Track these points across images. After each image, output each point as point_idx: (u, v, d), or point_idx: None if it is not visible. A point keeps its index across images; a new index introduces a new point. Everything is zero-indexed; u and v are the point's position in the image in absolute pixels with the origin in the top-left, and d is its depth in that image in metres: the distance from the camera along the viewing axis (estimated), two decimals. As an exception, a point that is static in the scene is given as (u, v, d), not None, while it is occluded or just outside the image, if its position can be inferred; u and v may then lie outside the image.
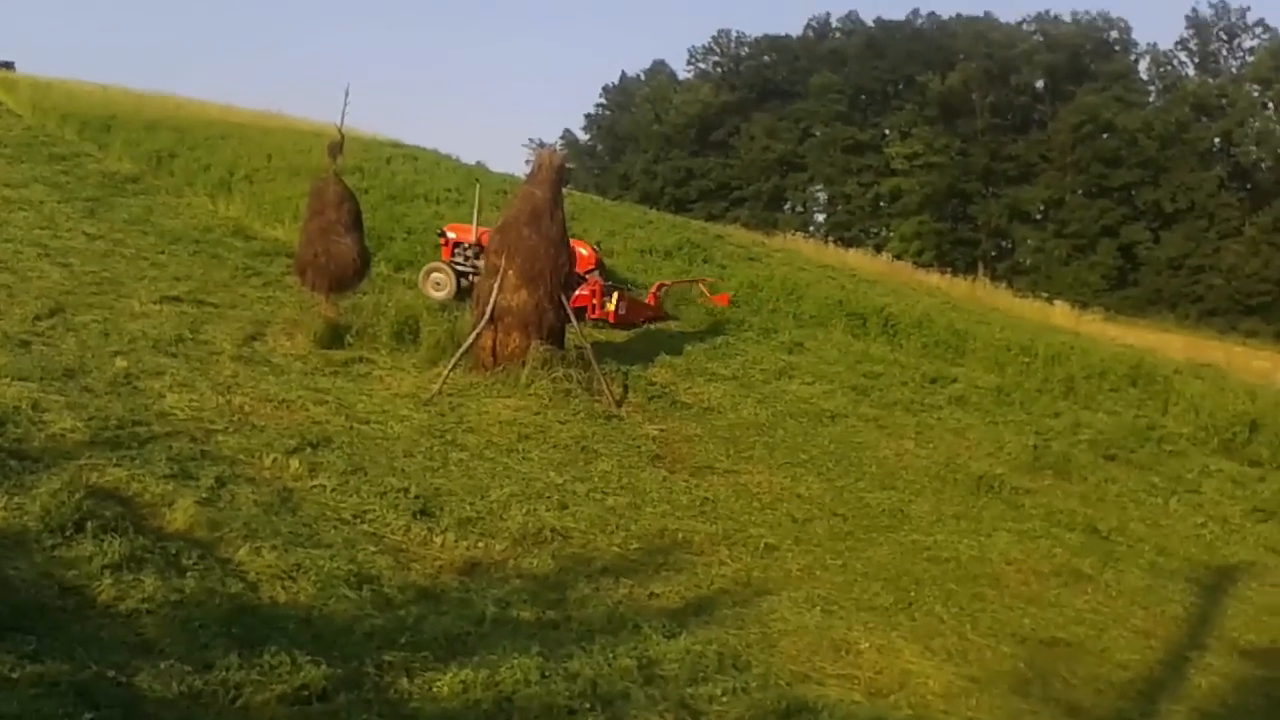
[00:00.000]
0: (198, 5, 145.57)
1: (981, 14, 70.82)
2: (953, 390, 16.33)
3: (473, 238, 17.30)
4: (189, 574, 5.93)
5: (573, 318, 13.94)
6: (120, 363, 10.88)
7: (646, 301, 17.65)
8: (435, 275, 17.37)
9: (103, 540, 6.03)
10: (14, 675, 4.15)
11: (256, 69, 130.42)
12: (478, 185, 18.81)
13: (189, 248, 18.19)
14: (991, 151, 66.17)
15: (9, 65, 39.89)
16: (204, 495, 7.41)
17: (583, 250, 17.54)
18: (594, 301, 16.33)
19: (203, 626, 5.31)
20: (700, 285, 19.45)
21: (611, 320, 16.52)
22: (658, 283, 18.69)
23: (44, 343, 11.34)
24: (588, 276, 16.93)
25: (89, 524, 6.22)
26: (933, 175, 65.07)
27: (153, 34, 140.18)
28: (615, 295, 16.63)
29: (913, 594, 8.79)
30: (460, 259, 17.47)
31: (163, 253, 17.49)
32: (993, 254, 66.11)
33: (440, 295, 16.93)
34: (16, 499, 6.47)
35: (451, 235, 17.90)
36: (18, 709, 3.80)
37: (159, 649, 5.00)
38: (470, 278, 16.60)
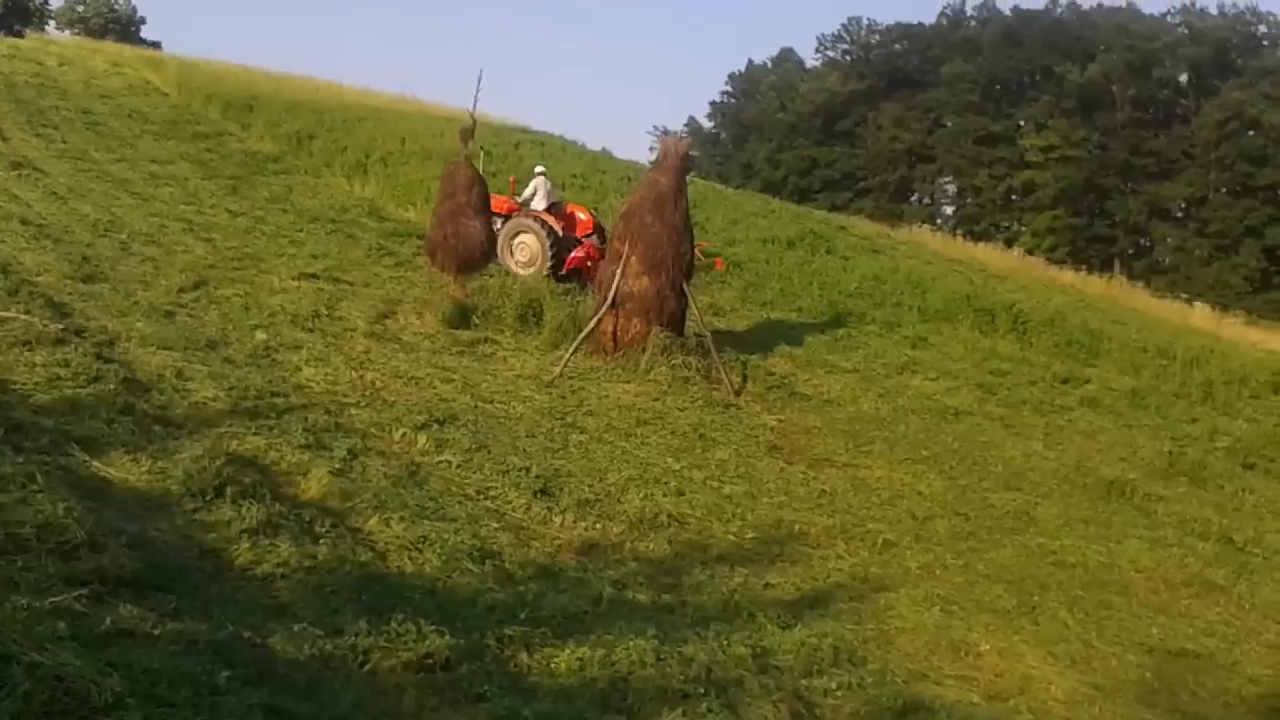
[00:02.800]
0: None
1: (1124, 4, 68.09)
2: (1085, 391, 15.83)
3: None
4: (322, 541, 6.15)
5: (694, 305, 13.97)
6: (260, 335, 11.35)
7: None
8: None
9: (241, 506, 6.29)
10: (155, 632, 4.32)
11: (393, 54, 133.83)
12: (482, 153, 19.12)
13: (326, 227, 18.84)
14: (1131, 146, 63.60)
15: (156, 45, 41.75)
16: (337, 466, 7.68)
17: (582, 215, 18.19)
18: (588, 264, 16.73)
19: (334, 592, 5.50)
20: (697, 250, 19.02)
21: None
22: None
23: (188, 314, 11.89)
24: (584, 240, 17.42)
25: (228, 489, 6.49)
26: (1069, 169, 62.88)
27: (295, 18, 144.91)
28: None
29: (1036, 598, 8.55)
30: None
31: (301, 231, 18.14)
32: (1130, 252, 63.61)
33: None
34: (160, 463, 6.80)
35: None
36: (158, 664, 3.95)
37: (292, 612, 5.20)
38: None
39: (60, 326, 9.66)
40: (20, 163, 19.68)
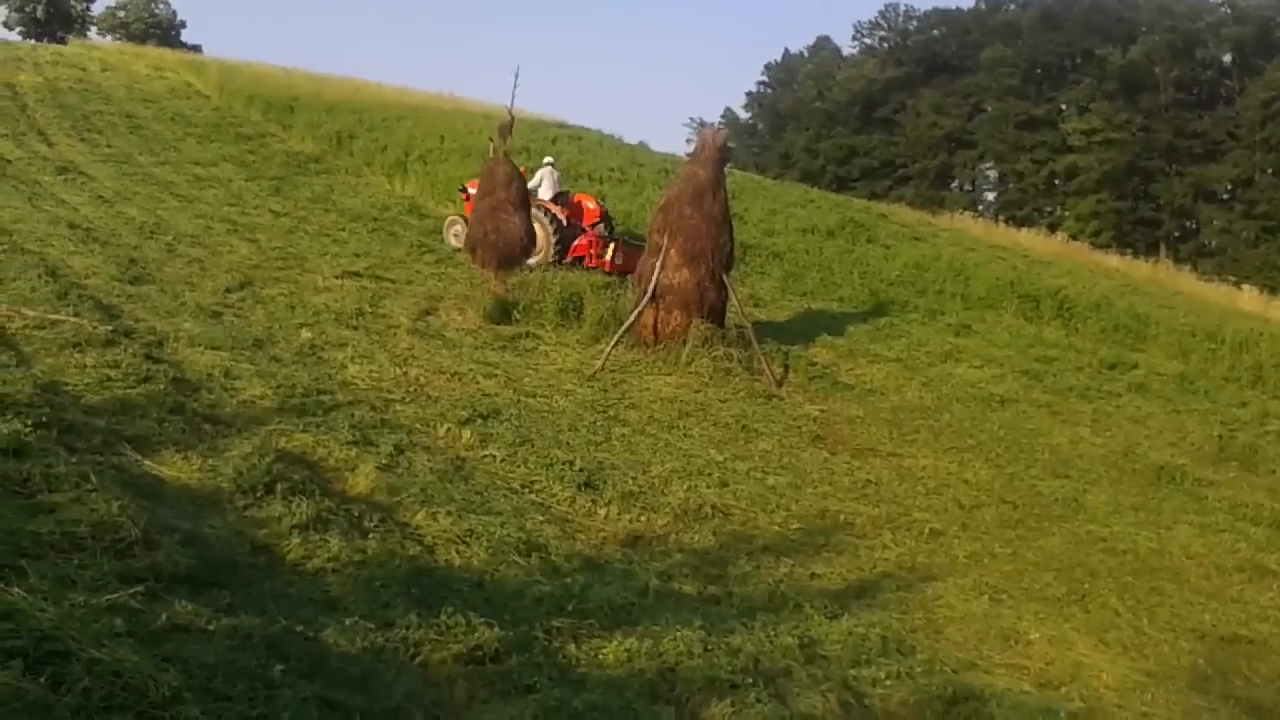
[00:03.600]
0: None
1: (1165, -16, 66.91)
2: (1133, 377, 15.62)
3: None
4: (371, 536, 6.20)
5: (734, 297, 13.93)
6: (305, 334, 11.49)
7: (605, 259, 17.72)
8: (455, 227, 18.42)
9: (291, 502, 6.35)
10: (210, 628, 4.37)
11: (431, 53, 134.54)
12: (490, 141, 19.06)
13: (367, 225, 19.01)
14: (1175, 128, 62.51)
15: (197, 49, 42.20)
16: (384, 461, 7.74)
17: (590, 204, 18.59)
18: (591, 251, 17.46)
19: (384, 586, 5.54)
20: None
21: (608, 269, 17.13)
22: (617, 243, 18.43)
23: (235, 314, 12.04)
24: (589, 229, 17.87)
25: (278, 486, 6.56)
26: (1112, 152, 61.95)
27: (333, 20, 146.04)
28: (612, 246, 17.36)
29: (1087, 585, 8.46)
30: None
31: (343, 230, 18.33)
32: (1176, 235, 62.57)
33: (458, 244, 17.82)
34: (211, 461, 6.89)
35: (471, 191, 18.31)
36: (214, 659, 4.00)
37: (343, 606, 5.24)
38: None
39: (110, 328, 9.81)
40: (66, 167, 20.04)
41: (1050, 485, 10.85)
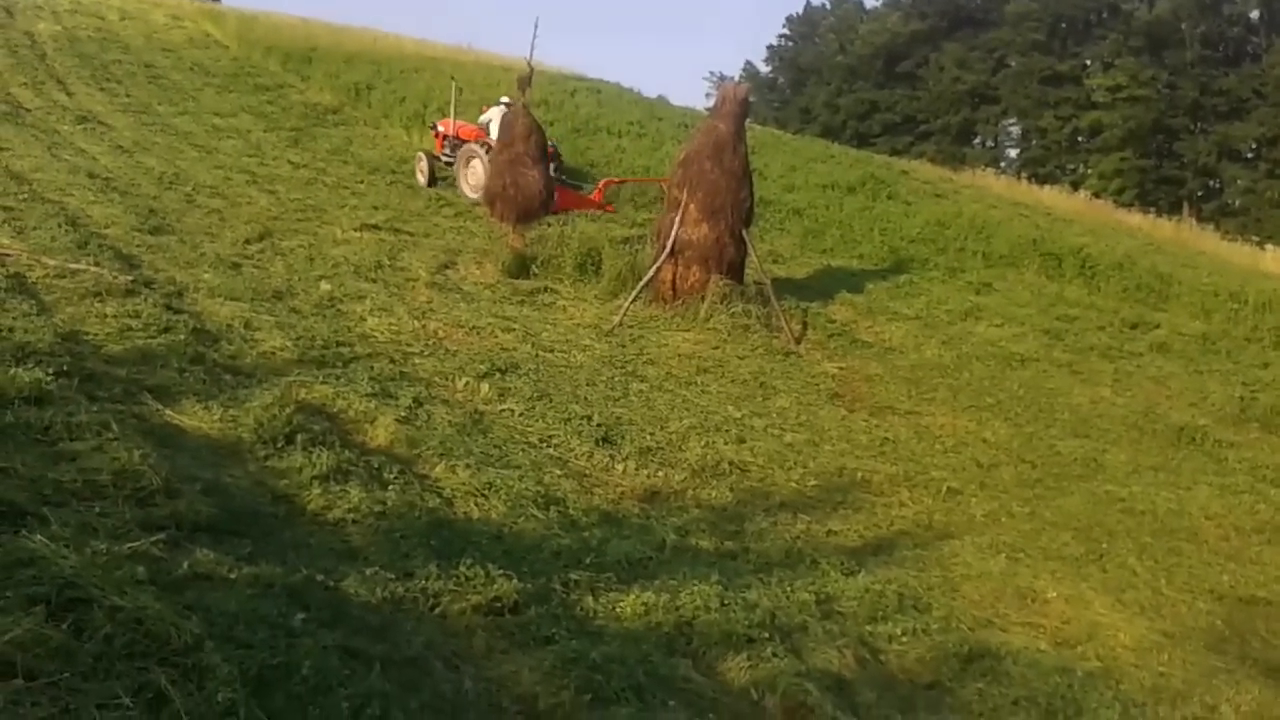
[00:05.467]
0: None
1: (1195, -63, 65.53)
2: (1154, 337, 15.50)
3: (451, 131, 19.21)
4: (390, 487, 6.23)
5: (753, 253, 13.85)
6: (324, 286, 11.49)
7: (590, 198, 17.91)
8: (422, 164, 19.16)
9: (311, 452, 6.37)
10: (232, 576, 4.40)
11: (450, 4, 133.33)
12: (454, 84, 20.39)
13: (386, 178, 18.96)
14: (1201, 85, 61.42)
15: (215, -1, 41.90)
16: (403, 414, 7.75)
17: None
18: None
19: (404, 537, 5.57)
20: (662, 185, 18.50)
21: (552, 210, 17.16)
22: (605, 180, 18.73)
23: (254, 265, 12.05)
24: None
25: (299, 437, 6.58)
26: (1137, 109, 61.01)
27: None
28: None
29: (1104, 545, 8.44)
30: (448, 150, 19.16)
31: (361, 182, 18.29)
32: (1199, 194, 61.69)
33: (421, 181, 18.86)
34: (231, 411, 6.91)
35: (441, 129, 19.55)
36: (235, 607, 4.02)
37: (364, 556, 5.27)
38: (445, 164, 19.06)
39: (130, 278, 9.83)
40: (85, 117, 19.99)
41: (1069, 445, 10.80)
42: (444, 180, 18.96)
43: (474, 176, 18.10)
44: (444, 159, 19.16)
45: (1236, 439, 11.90)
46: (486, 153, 17.78)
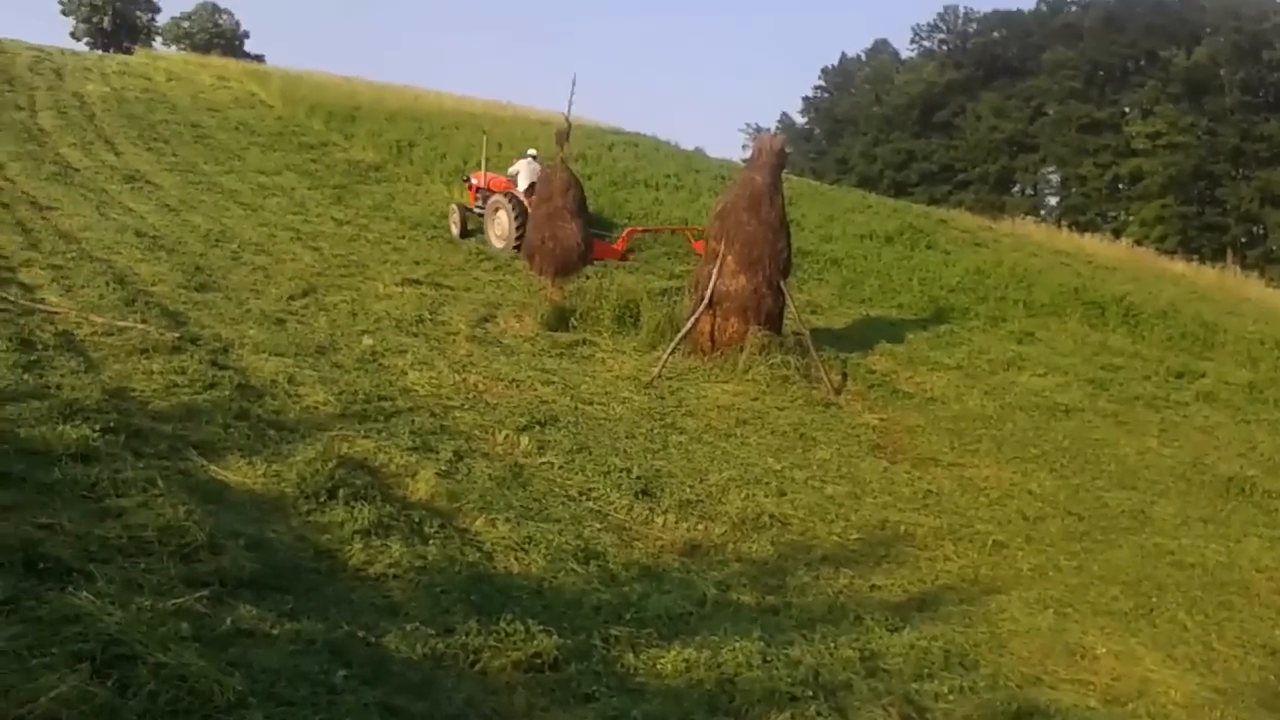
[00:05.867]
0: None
1: (1230, -14, 65.42)
2: (1200, 386, 15.24)
3: (483, 183, 19.61)
4: (431, 542, 6.24)
5: (791, 303, 13.83)
6: (367, 341, 11.62)
7: (614, 246, 17.92)
8: (455, 215, 19.60)
9: (353, 507, 6.42)
10: (274, 632, 4.42)
11: (489, 61, 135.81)
12: (484, 137, 21.15)
13: (427, 233, 19.21)
14: (1242, 131, 61.02)
15: (260, 59, 42.93)
16: (443, 468, 7.79)
17: None
18: None
19: (444, 592, 5.57)
20: (688, 234, 19.07)
21: None
22: (629, 228, 18.79)
23: (298, 321, 12.22)
24: None
25: (341, 491, 6.64)
26: (1177, 156, 60.68)
27: (394, 30, 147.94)
28: None
29: (1154, 600, 8.26)
30: (480, 202, 19.48)
31: (403, 238, 18.54)
32: (1243, 240, 61.05)
33: (455, 231, 19.36)
34: (275, 466, 6.98)
35: (475, 181, 19.96)
36: (278, 664, 4.04)
37: (404, 612, 5.27)
38: (478, 215, 19.36)
39: (176, 335, 10.01)
40: (133, 176, 20.48)
41: (1116, 497, 10.61)
42: (477, 231, 19.26)
43: (499, 227, 18.47)
44: (476, 210, 19.51)
45: (1287, 490, 11.63)
46: (512, 204, 18.15)
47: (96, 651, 3.55)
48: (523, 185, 18.58)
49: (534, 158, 19.15)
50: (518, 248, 17.88)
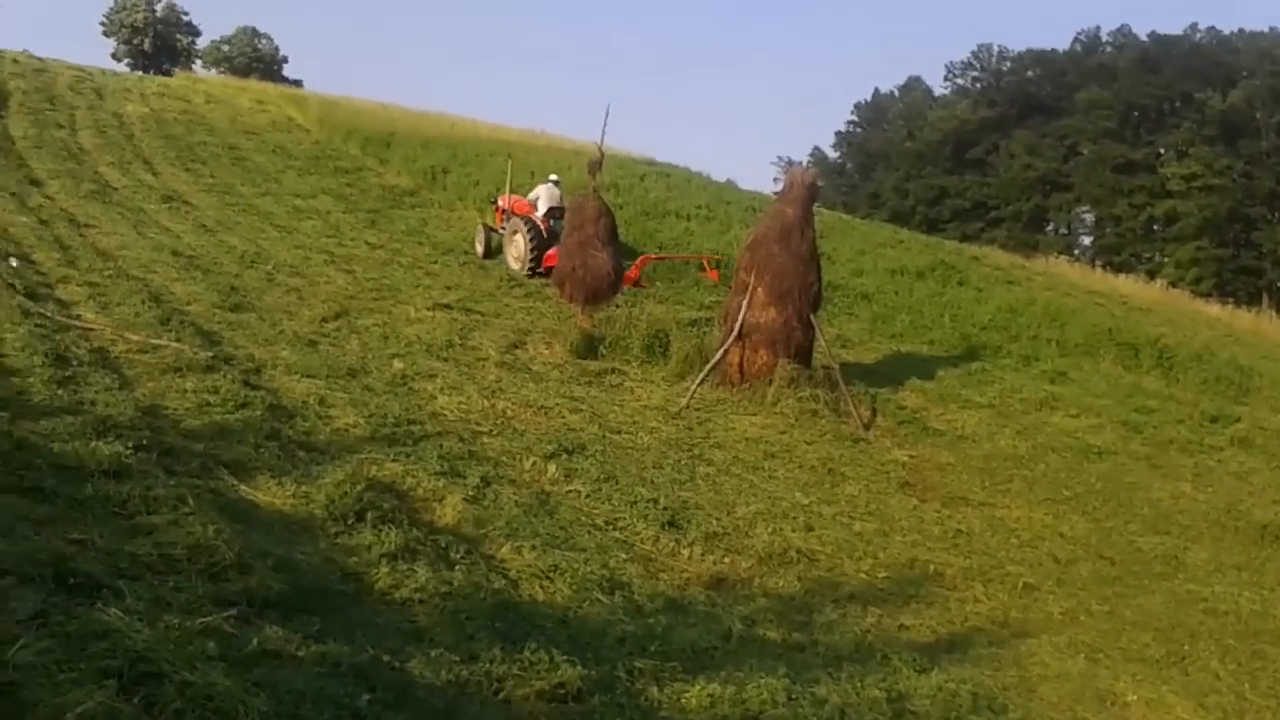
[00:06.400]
0: (474, 28, 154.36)
1: (1266, 29, 65.17)
2: (1235, 430, 15.02)
3: (507, 205, 19.94)
4: (457, 567, 6.22)
5: (821, 337, 13.78)
6: (397, 364, 11.67)
7: (628, 274, 17.65)
8: (480, 235, 20.18)
9: (381, 530, 6.41)
10: (300, 654, 4.40)
11: (525, 89, 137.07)
12: (509, 161, 21.48)
13: (459, 258, 19.34)
14: (1278, 175, 60.62)
15: (298, 83, 43.53)
16: (471, 493, 7.79)
17: None
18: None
19: (469, 619, 5.54)
20: (704, 262, 19.47)
21: None
22: (643, 256, 18.85)
23: (330, 343, 12.29)
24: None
25: (369, 514, 6.65)
26: (1213, 198, 60.30)
27: (433, 57, 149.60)
28: None
29: (1186, 647, 8.11)
30: (505, 223, 19.76)
31: (436, 263, 18.66)
32: (1279, 285, 60.51)
33: (480, 250, 19.92)
34: (304, 488, 6.99)
35: (501, 204, 20.31)
36: (303, 686, 4.02)
37: (429, 637, 5.24)
38: (500, 235, 19.78)
39: (210, 354, 10.08)
40: (171, 196, 20.75)
41: (1149, 541, 10.45)
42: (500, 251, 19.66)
43: (516, 249, 18.91)
44: (500, 232, 19.90)
45: (1323, 539, 11.42)
46: (528, 228, 18.61)
47: (124, 668, 3.56)
48: (542, 209, 19.03)
49: (555, 183, 19.57)
50: (533, 270, 18.37)
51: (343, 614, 5.28)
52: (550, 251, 18.41)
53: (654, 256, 19.13)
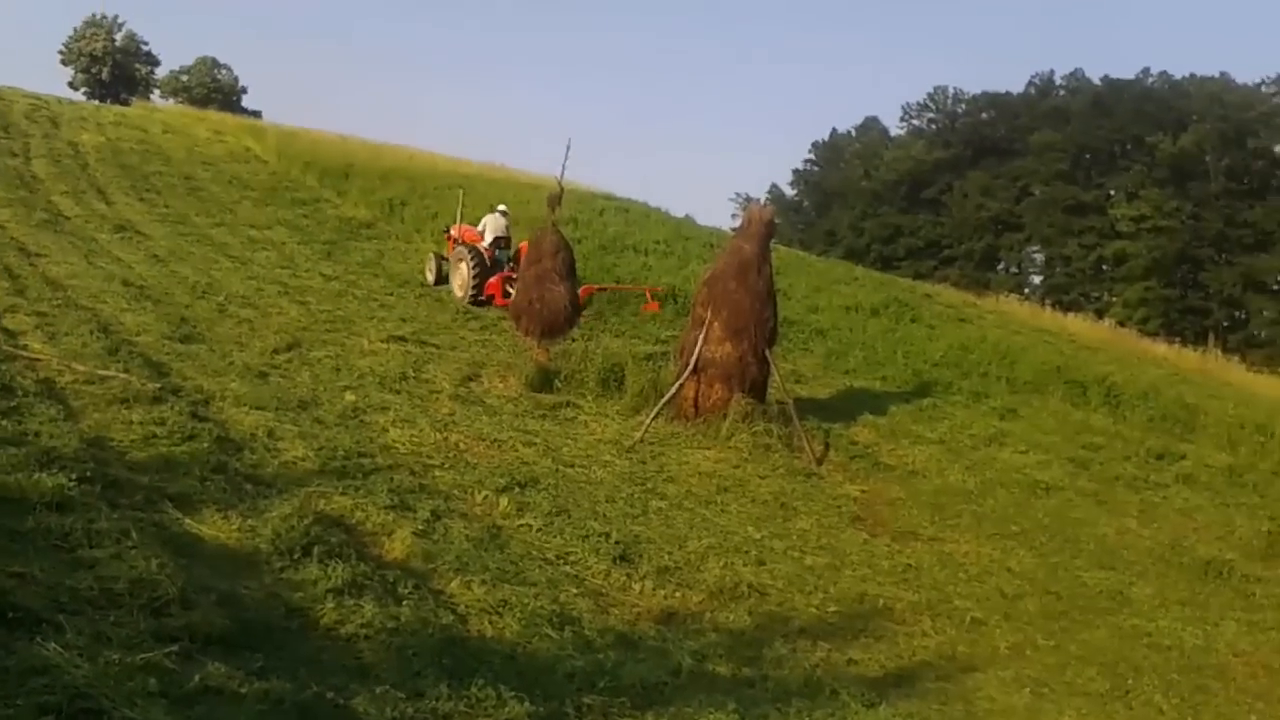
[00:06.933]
0: (435, 63, 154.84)
1: (1217, 74, 66.94)
2: (1180, 468, 15.28)
3: (458, 234, 20.38)
4: (405, 603, 6.17)
5: (776, 372, 13.88)
6: (349, 397, 11.59)
7: None
8: (430, 263, 20.56)
9: (327, 565, 6.36)
10: (242, 690, 4.35)
11: (483, 123, 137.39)
12: (461, 192, 21.96)
13: (415, 290, 19.29)
14: (1226, 217, 62.03)
15: (257, 114, 43.39)
16: (420, 527, 7.75)
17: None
18: (499, 290, 18.65)
19: (416, 655, 5.50)
20: (647, 293, 19.64)
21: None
22: (584, 286, 18.65)
23: (281, 375, 12.20)
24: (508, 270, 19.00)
25: (315, 548, 6.59)
26: (1161, 239, 61.59)
27: (390, 89, 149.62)
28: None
29: (1130, 682, 8.22)
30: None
31: (391, 294, 18.59)
32: (1225, 325, 61.74)
33: (430, 279, 20.22)
34: (250, 521, 6.94)
35: (453, 233, 20.70)
36: (245, 724, 4.00)
37: (375, 674, 5.20)
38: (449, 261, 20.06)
39: (158, 385, 9.98)
40: (124, 226, 20.55)
41: (1095, 577, 10.59)
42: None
43: (459, 277, 19.35)
44: (450, 260, 20.15)
45: (1265, 574, 11.60)
46: (472, 256, 19.10)
47: (63, 704, 3.52)
48: (488, 239, 19.48)
49: (503, 213, 20.01)
50: (474, 297, 18.79)
51: (287, 650, 5.23)
52: (492, 279, 18.93)
53: (596, 287, 19.20)
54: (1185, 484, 14.65)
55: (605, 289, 19.80)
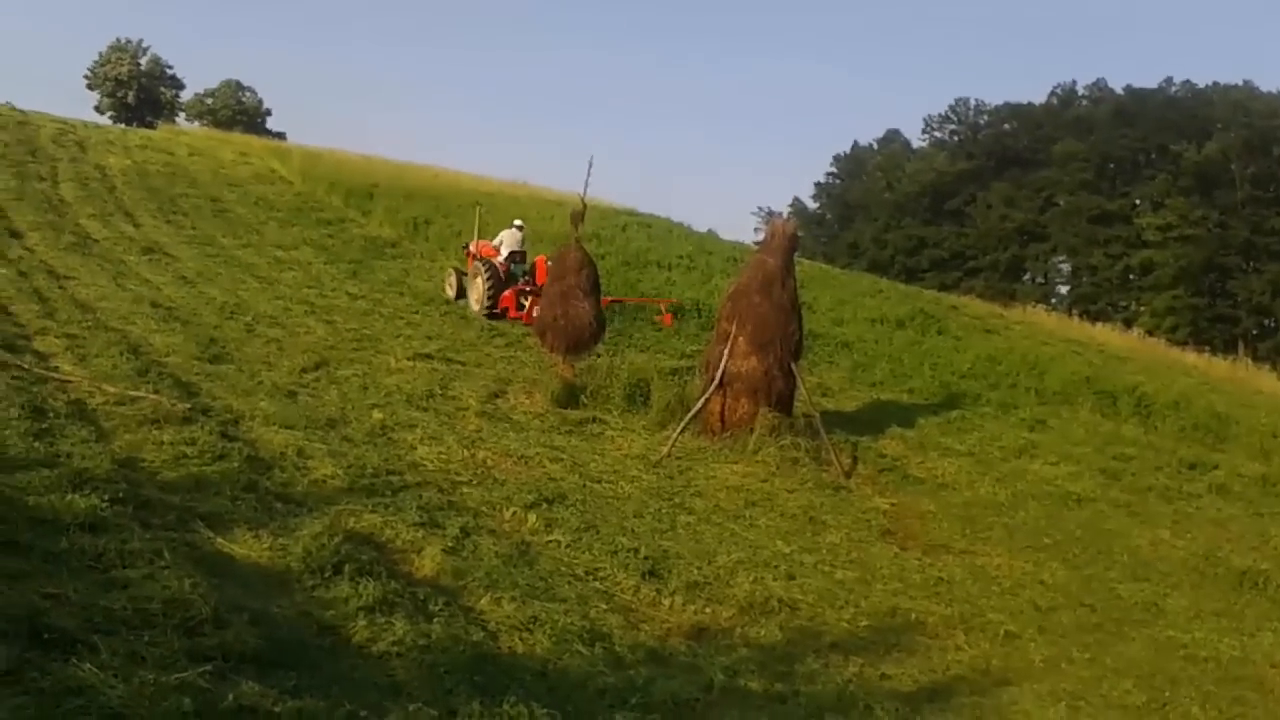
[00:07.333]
0: (459, 87, 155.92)
1: (1240, 82, 66.38)
2: (1213, 478, 15.09)
3: (475, 249, 20.61)
4: (436, 620, 6.18)
5: (802, 386, 13.83)
6: (377, 415, 11.63)
7: None
8: (450, 278, 20.88)
9: (358, 583, 6.37)
10: (276, 710, 4.34)
11: (507, 142, 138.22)
12: (478, 207, 22.33)
13: (440, 308, 19.37)
14: (1253, 225, 61.44)
15: (281, 136, 43.75)
16: (450, 544, 7.75)
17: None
18: (514, 303, 19.08)
19: (448, 672, 5.49)
20: (661, 306, 19.95)
21: (525, 321, 18.30)
22: (602, 299, 18.74)
23: (309, 394, 12.26)
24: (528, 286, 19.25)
25: (346, 566, 6.61)
26: (1188, 248, 61.08)
27: (415, 110, 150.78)
28: (530, 300, 18.48)
29: (1167, 694, 8.10)
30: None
31: (417, 313, 18.67)
32: (1254, 333, 61.10)
33: (450, 293, 20.54)
34: (281, 540, 6.96)
35: (472, 248, 20.93)
36: (278, 743, 3.99)
37: (407, 692, 5.20)
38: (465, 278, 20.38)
39: (188, 406, 10.04)
40: (151, 248, 20.73)
41: (1129, 588, 10.46)
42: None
43: (475, 291, 19.63)
44: (465, 274, 20.40)
45: (1301, 584, 11.45)
46: (488, 271, 19.35)
47: (98, 725, 3.51)
48: (504, 254, 19.76)
49: (519, 227, 20.34)
50: (489, 310, 19.10)
51: (319, 668, 5.23)
52: (506, 292, 19.17)
53: (610, 299, 19.23)
54: (1218, 494, 14.47)
55: (622, 301, 20.00)
